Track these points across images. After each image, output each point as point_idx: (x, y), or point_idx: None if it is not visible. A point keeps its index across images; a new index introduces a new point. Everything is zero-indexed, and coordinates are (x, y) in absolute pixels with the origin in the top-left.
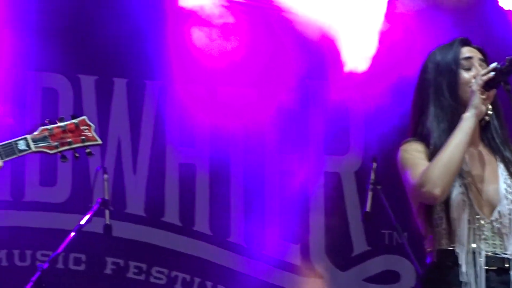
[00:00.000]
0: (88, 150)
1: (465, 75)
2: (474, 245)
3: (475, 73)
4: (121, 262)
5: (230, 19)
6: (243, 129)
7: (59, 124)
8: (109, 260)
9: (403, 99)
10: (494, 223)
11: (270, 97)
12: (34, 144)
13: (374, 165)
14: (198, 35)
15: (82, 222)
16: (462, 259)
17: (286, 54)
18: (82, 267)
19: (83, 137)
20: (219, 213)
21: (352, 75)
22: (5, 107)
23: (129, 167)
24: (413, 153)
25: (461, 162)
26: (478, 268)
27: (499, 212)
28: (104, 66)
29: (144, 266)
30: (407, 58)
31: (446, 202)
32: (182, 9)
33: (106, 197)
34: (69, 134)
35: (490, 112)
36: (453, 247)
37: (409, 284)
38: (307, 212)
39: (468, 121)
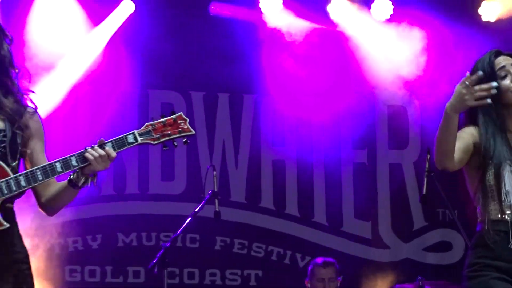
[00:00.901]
0: (184, 140)
1: (503, 83)
2: None
3: (510, 79)
4: (227, 240)
5: (310, 40)
6: (322, 130)
7: (161, 119)
8: (218, 238)
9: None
10: None
11: (343, 104)
12: (140, 137)
13: (428, 156)
14: (285, 55)
15: (197, 209)
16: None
17: (356, 69)
18: (196, 245)
19: (180, 129)
20: (305, 199)
21: (409, 84)
22: (132, 119)
23: (232, 164)
24: (461, 133)
25: (451, 141)
26: None
27: None
28: (210, 83)
29: (246, 242)
30: (453, 69)
31: (497, 177)
32: (270, 32)
33: (215, 189)
34: (169, 128)
35: None
36: (502, 217)
37: (460, 252)
38: (375, 195)
39: (446, 114)
